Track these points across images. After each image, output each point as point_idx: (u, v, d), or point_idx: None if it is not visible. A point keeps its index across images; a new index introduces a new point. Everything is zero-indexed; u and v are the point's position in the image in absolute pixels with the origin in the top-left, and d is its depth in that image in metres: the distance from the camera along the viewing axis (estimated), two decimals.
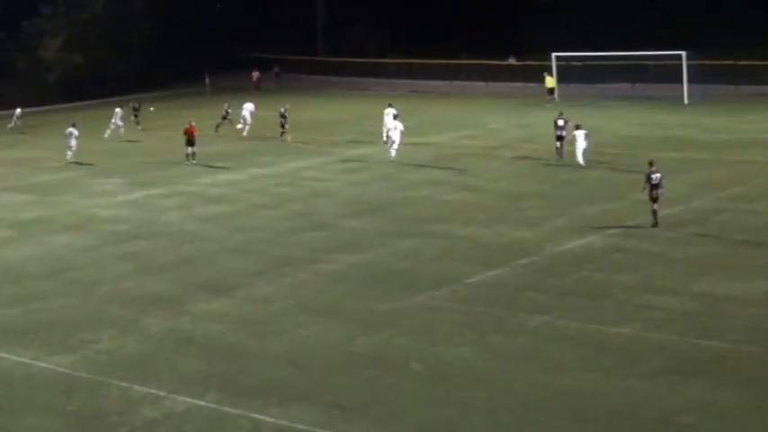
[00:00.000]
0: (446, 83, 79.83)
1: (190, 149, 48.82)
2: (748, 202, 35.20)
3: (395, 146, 46.59)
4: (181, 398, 20.30)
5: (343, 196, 39.63)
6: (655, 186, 32.04)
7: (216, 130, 57.71)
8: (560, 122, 45.64)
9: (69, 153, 50.77)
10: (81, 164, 49.98)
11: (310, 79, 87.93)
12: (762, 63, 70.70)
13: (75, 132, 50.98)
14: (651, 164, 32.68)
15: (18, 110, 67.68)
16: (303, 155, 50.27)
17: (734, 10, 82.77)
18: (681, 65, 65.23)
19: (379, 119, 51.79)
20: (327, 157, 49.18)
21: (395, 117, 49.18)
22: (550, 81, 68.79)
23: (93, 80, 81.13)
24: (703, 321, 23.38)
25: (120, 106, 61.62)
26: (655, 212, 32.12)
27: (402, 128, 46.99)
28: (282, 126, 54.68)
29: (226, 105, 59.36)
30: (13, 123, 66.50)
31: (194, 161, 48.71)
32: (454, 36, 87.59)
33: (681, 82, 65.47)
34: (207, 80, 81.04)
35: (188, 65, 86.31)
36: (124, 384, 21.12)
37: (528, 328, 23.52)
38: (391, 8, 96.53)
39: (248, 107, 58.37)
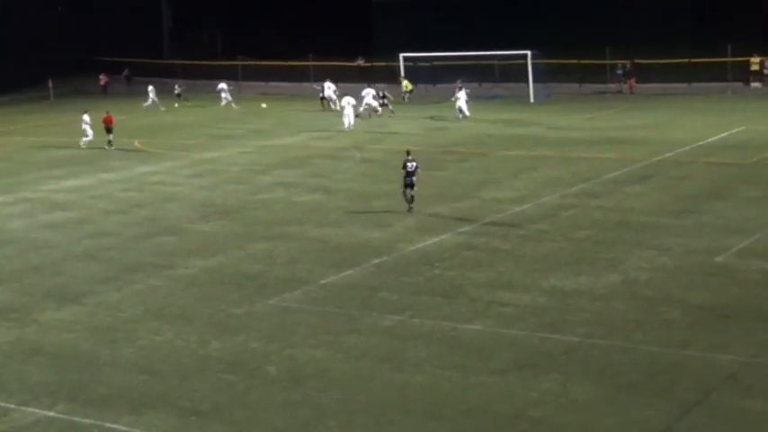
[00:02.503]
0: (295, 84, 79.87)
1: (108, 137, 52.68)
2: (594, 198, 36.04)
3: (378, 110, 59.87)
4: (30, 409, 19.83)
5: (193, 200, 39.26)
6: (409, 174, 34.49)
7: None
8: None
9: (85, 140, 53.57)
10: None
11: (159, 82, 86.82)
12: (603, 62, 72.65)
13: (88, 120, 53.80)
14: (408, 153, 35.28)
15: (150, 87, 70.65)
16: (151, 159, 49.65)
17: (576, 11, 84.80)
18: (526, 64, 66.51)
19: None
20: (176, 161, 48.66)
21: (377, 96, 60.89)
22: (408, 84, 69.37)
23: None
24: (553, 316, 23.86)
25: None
26: (412, 197, 34.62)
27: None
28: (385, 105, 61.81)
29: (324, 86, 66.31)
30: (150, 102, 67.37)
31: (112, 147, 52.38)
32: (303, 37, 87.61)
33: (527, 81, 66.76)
34: (50, 84, 79.35)
35: (30, 69, 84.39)
36: None
37: (382, 328, 23.67)
38: (239, 9, 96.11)
39: (331, 86, 65.64)
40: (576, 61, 73.54)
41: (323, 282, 27.41)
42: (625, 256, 28.57)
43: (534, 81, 66.55)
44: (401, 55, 71.21)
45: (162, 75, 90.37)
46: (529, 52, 65.81)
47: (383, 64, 77.06)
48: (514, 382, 20.07)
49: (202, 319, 24.82)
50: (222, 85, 71.69)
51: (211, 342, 23.20)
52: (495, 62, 73.70)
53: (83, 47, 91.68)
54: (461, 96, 58.98)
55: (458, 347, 22.14)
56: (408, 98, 68.01)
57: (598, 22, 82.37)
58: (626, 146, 47.07)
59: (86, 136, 53.61)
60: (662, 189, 37.23)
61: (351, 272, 28.24)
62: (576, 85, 72.43)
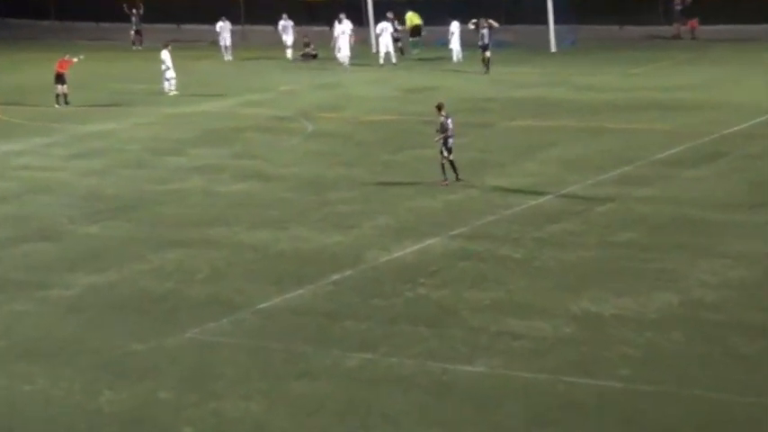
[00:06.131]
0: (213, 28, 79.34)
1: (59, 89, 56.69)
2: (639, 187, 36.22)
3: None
4: None
5: (76, 191, 39.25)
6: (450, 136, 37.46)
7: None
8: (484, 31, 61.71)
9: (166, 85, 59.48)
10: None
11: (18, 24, 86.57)
12: None
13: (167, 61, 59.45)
14: (440, 108, 37.81)
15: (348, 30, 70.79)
16: (14, 133, 49.57)
17: None
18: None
19: None
20: (50, 137, 48.63)
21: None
22: (414, 18, 69.50)
23: None
24: (585, 353, 23.98)
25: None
26: (453, 165, 37.54)
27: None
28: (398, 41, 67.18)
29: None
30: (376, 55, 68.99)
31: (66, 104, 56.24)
32: None
33: (545, 23, 66.84)
34: None
35: None
36: None
37: (344, 370, 23.76)
38: None
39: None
40: None
41: (260, 306, 27.48)
42: (684, 267, 28.78)
43: (555, 22, 66.75)
44: None
45: (23, 15, 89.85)
46: None
47: None
48: None
49: (90, 360, 24.84)
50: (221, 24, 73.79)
51: (103, 392, 23.23)
52: None
53: None
54: (456, 31, 65.42)
55: (449, 396, 22.28)
56: (415, 40, 69.30)
57: None
58: (682, 113, 47.43)
59: (167, 81, 59.09)
60: (732, 173, 37.51)
61: (300, 292, 28.33)
62: (615, 28, 72.85)
